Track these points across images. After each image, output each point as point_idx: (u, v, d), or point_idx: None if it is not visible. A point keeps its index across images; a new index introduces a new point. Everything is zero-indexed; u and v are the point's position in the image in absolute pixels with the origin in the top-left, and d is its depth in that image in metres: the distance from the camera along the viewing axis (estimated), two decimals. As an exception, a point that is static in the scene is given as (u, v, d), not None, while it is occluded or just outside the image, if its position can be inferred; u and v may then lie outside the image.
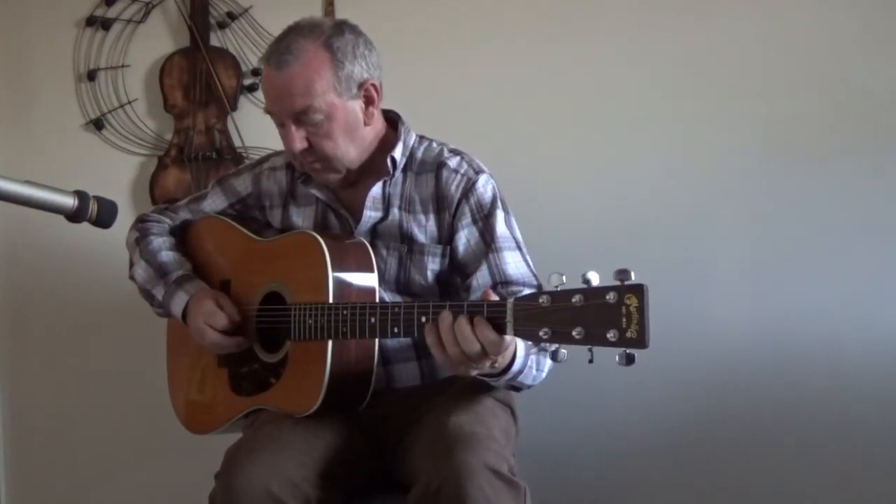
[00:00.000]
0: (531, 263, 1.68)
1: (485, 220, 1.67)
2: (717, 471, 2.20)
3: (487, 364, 1.35)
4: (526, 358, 1.45)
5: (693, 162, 2.19)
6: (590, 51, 2.24)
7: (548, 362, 1.54)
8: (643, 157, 2.21)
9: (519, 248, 1.68)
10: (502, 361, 1.39)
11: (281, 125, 1.64)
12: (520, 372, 1.46)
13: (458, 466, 1.38)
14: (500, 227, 1.66)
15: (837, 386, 2.11)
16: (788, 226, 2.14)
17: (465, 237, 1.67)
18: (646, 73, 2.21)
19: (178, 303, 1.74)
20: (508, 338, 1.31)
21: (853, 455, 2.12)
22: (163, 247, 1.83)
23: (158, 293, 1.79)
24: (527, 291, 1.59)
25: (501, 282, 1.62)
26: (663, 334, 1.33)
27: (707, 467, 2.20)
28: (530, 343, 1.46)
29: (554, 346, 1.23)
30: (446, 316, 1.33)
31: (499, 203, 1.68)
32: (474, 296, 1.61)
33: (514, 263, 1.64)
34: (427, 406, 1.63)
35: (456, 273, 1.69)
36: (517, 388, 1.57)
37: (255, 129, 2.40)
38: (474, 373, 1.38)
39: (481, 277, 1.63)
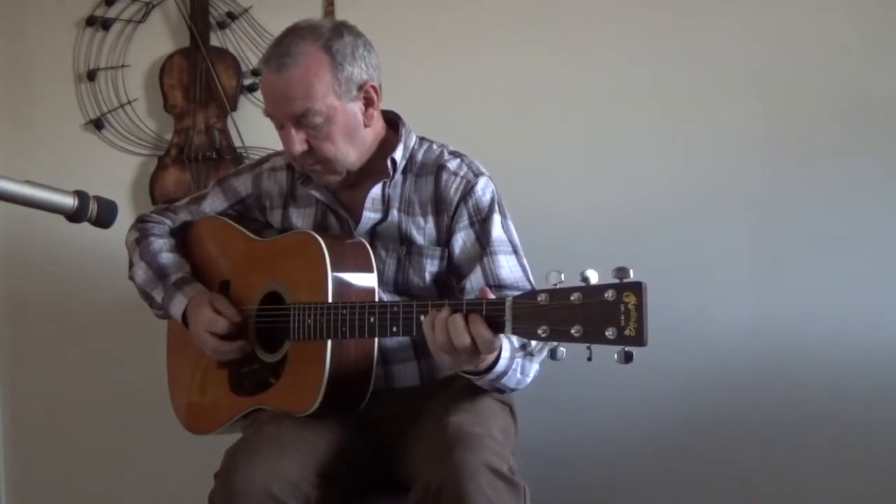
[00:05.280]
0: (527, 268, 1.68)
1: (482, 224, 1.67)
2: (716, 470, 2.20)
3: (475, 361, 1.36)
4: (511, 360, 1.46)
5: (693, 161, 2.19)
6: (590, 50, 2.24)
7: (534, 367, 1.55)
8: (643, 155, 2.21)
9: (515, 251, 1.68)
10: (486, 360, 1.40)
11: (281, 127, 1.64)
12: (503, 373, 1.46)
13: (459, 466, 1.38)
14: (497, 230, 1.66)
15: (838, 385, 2.11)
16: (788, 225, 2.14)
17: (462, 239, 1.67)
18: (646, 72, 2.21)
19: (177, 306, 1.74)
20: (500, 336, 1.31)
21: (853, 454, 2.12)
22: (163, 248, 1.84)
23: (158, 295, 1.79)
24: None
25: (495, 285, 1.63)
26: (663, 333, 1.33)
27: (706, 466, 2.20)
28: (517, 346, 1.46)
29: (552, 345, 1.23)
30: (444, 310, 1.34)
31: (496, 206, 1.68)
32: (469, 297, 1.61)
33: (507, 267, 1.65)
34: (427, 406, 1.63)
35: (451, 275, 1.69)
36: (500, 390, 1.58)
37: (255, 129, 2.39)
38: (459, 368, 1.39)
39: (475, 280, 1.64)
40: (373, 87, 1.65)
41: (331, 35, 1.62)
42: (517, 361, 1.49)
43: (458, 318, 1.32)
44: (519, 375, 1.52)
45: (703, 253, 2.18)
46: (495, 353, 1.40)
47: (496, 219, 1.67)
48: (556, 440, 2.20)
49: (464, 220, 1.67)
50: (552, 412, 2.14)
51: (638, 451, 2.22)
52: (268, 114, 1.66)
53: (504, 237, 1.67)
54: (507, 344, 1.43)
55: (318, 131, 1.61)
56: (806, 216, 2.13)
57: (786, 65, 2.15)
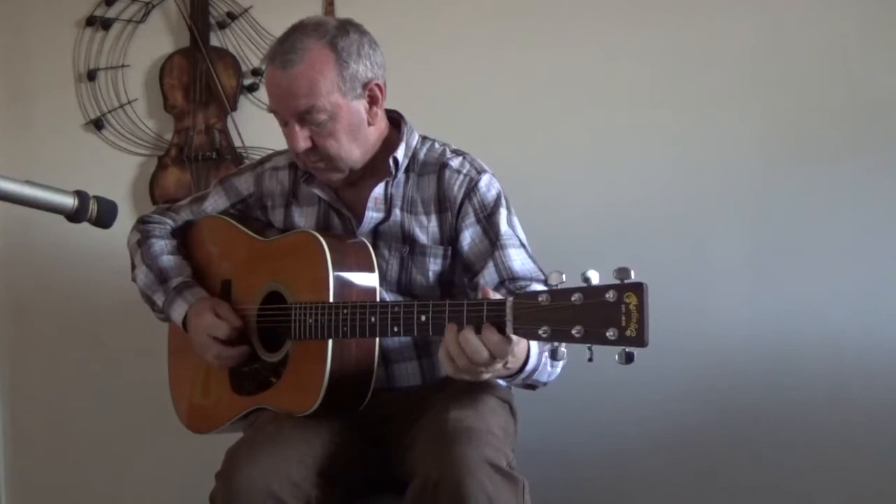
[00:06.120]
0: (535, 260, 1.68)
1: (488, 219, 1.67)
2: (715, 469, 2.20)
3: (498, 367, 1.35)
4: (540, 355, 1.45)
5: (693, 161, 2.19)
6: (590, 51, 2.24)
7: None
8: (643, 156, 2.21)
9: (523, 245, 1.68)
10: (515, 362, 1.39)
11: (284, 124, 1.64)
12: (535, 370, 1.46)
13: (458, 461, 1.39)
14: (503, 225, 1.66)
15: (837, 385, 2.11)
16: (788, 225, 2.14)
17: (470, 236, 1.67)
18: (646, 72, 2.21)
19: (178, 311, 1.75)
20: (516, 338, 1.31)
21: (853, 454, 2.12)
22: (164, 250, 1.84)
23: (159, 299, 1.79)
24: (535, 286, 1.59)
25: (508, 278, 1.62)
26: (663, 333, 1.33)
27: (705, 465, 2.20)
28: None
29: (554, 345, 1.23)
30: (451, 328, 1.32)
31: (502, 201, 1.69)
32: (473, 297, 1.61)
33: (519, 260, 1.65)
34: (427, 405, 1.63)
35: (463, 272, 1.69)
36: (533, 387, 1.57)
37: (255, 129, 2.40)
38: (487, 377, 1.38)
39: (488, 275, 1.64)
40: (377, 85, 1.65)
41: (336, 32, 1.61)
42: (545, 355, 1.47)
43: (471, 336, 1.30)
44: (549, 368, 1.51)
45: (703, 253, 2.19)
46: (524, 353, 1.40)
47: (502, 213, 1.67)
48: (556, 439, 2.20)
49: (470, 217, 1.67)
50: (552, 411, 2.13)
51: (638, 450, 2.22)
52: (271, 110, 1.66)
53: (511, 231, 1.68)
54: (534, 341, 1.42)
55: (322, 128, 1.61)
56: (806, 216, 2.13)
57: (786, 65, 2.15)
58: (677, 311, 2.12)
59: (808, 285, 2.12)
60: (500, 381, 1.52)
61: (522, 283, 1.61)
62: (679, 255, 2.18)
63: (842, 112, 2.12)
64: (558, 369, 1.54)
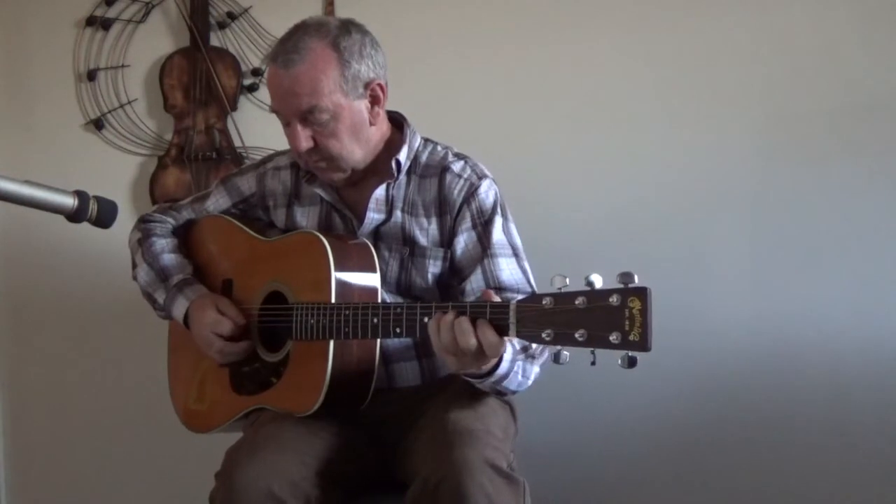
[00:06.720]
0: (528, 271, 1.68)
1: (484, 226, 1.67)
2: (716, 470, 2.20)
3: (480, 363, 1.36)
4: (512, 363, 1.46)
5: (694, 163, 2.19)
6: (592, 52, 2.24)
7: (535, 370, 1.55)
8: (645, 158, 2.21)
9: (516, 254, 1.68)
10: (489, 363, 1.39)
11: (287, 124, 1.64)
12: (504, 376, 1.46)
13: (458, 462, 1.39)
14: (498, 233, 1.66)
15: (838, 385, 2.11)
16: (789, 226, 2.14)
17: (464, 241, 1.67)
18: (647, 73, 2.21)
19: (179, 308, 1.75)
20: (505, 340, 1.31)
21: (854, 454, 2.12)
22: (165, 249, 1.84)
23: (160, 297, 1.79)
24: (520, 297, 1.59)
25: (495, 287, 1.63)
26: (664, 335, 1.32)
27: (706, 466, 2.20)
28: (518, 349, 1.47)
29: (556, 349, 1.23)
30: (450, 314, 1.33)
31: (499, 209, 1.68)
32: (469, 299, 1.61)
33: (508, 270, 1.65)
34: (427, 405, 1.63)
35: (453, 276, 1.69)
36: (501, 393, 1.57)
37: (255, 129, 2.40)
38: (462, 370, 1.39)
39: (475, 282, 1.64)
40: (379, 85, 1.65)
41: (338, 32, 1.61)
42: (518, 364, 1.48)
43: (465, 321, 1.32)
44: (520, 378, 1.52)
45: (704, 254, 2.19)
46: (498, 356, 1.40)
47: (498, 221, 1.67)
48: (556, 440, 2.20)
49: (466, 223, 1.67)
50: (553, 412, 2.14)
51: (638, 451, 2.22)
52: (273, 110, 1.65)
53: (504, 240, 1.67)
54: (509, 346, 1.43)
55: (324, 128, 1.61)
56: (806, 216, 2.13)
57: (786, 65, 2.15)
58: (677, 312, 2.11)
59: (808, 285, 2.12)
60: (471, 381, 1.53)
61: (508, 294, 1.61)
62: (679, 255, 2.18)
63: (841, 112, 2.12)
64: (529, 381, 1.55)
